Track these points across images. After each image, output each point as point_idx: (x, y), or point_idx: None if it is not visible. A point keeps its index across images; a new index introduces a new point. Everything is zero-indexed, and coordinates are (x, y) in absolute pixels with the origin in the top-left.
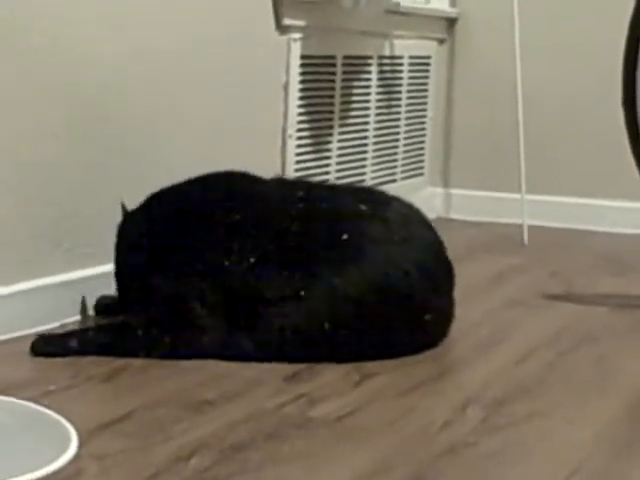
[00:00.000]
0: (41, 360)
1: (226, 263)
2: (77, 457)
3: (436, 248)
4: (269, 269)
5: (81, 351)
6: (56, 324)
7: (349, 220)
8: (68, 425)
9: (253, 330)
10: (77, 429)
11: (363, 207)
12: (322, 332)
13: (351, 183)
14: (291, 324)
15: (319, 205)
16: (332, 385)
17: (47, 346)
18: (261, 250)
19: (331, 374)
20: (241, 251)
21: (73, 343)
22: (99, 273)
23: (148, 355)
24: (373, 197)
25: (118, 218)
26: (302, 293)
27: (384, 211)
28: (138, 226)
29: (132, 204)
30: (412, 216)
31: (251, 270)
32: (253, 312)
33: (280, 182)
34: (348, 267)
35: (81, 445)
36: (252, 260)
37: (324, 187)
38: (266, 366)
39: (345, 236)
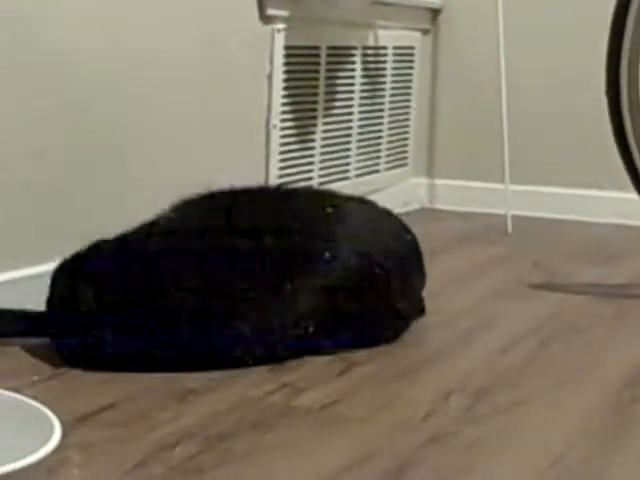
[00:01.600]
0: (24, 351)
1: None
2: (61, 447)
3: (401, 236)
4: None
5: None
6: None
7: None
8: (51, 415)
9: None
10: (60, 419)
11: (328, 210)
12: (300, 333)
13: (302, 187)
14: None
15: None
16: (316, 374)
17: None
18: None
19: (315, 363)
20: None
21: None
22: None
23: None
24: (332, 197)
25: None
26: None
27: (345, 210)
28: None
29: (117, 195)
30: (371, 209)
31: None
32: None
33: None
34: (314, 273)
35: (65, 435)
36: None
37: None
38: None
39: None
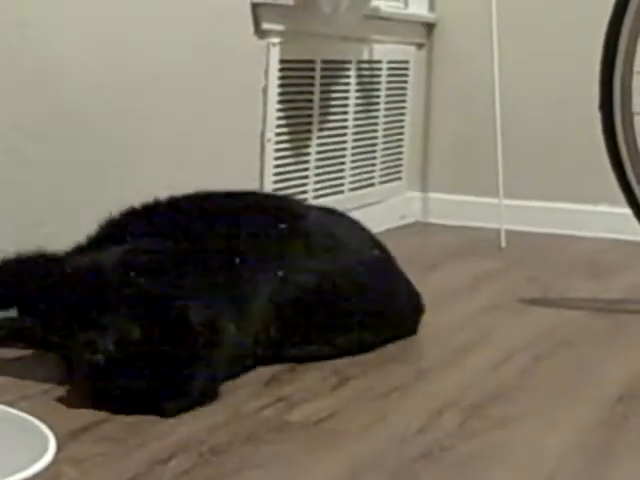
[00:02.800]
0: (18, 364)
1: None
2: (55, 461)
3: (367, 245)
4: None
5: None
6: None
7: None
8: (45, 429)
9: None
10: (55, 433)
11: (281, 226)
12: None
13: (264, 194)
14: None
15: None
16: (311, 388)
17: None
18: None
19: (310, 377)
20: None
21: None
22: None
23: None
24: (289, 210)
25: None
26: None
27: (303, 225)
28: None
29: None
30: (333, 221)
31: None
32: None
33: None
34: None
35: (59, 449)
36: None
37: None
38: (246, 369)
39: (280, 273)
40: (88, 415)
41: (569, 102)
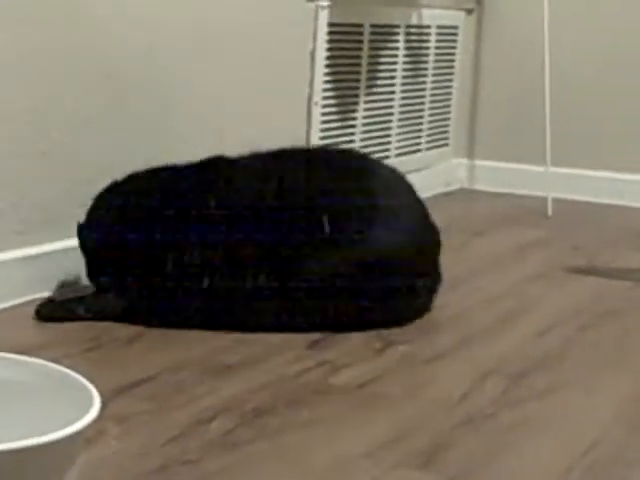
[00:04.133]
0: (62, 323)
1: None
2: (99, 419)
3: (422, 214)
4: (244, 266)
5: (88, 317)
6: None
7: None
8: (90, 386)
9: None
10: (99, 391)
11: (345, 182)
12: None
13: (336, 148)
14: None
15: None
16: (354, 353)
17: (53, 311)
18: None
19: (353, 342)
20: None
21: (80, 309)
22: None
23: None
24: (356, 166)
25: None
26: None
27: (368, 181)
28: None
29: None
30: (397, 183)
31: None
32: None
33: (255, 164)
34: (331, 251)
35: (103, 407)
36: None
37: (301, 170)
38: (289, 333)
39: (327, 228)
40: (132, 374)
41: (621, 70)
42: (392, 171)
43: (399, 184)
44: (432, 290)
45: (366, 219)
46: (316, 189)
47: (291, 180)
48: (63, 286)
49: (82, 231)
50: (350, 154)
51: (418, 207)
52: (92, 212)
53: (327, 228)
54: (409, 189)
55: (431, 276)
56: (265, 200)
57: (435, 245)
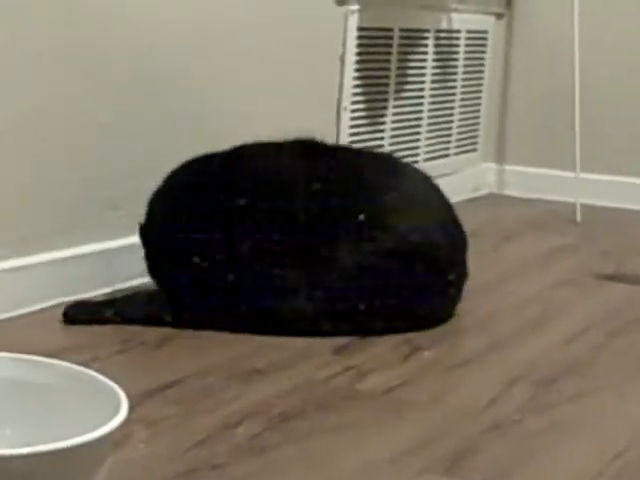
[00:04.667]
0: (92, 325)
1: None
2: (127, 422)
3: (450, 211)
4: (279, 255)
5: (116, 320)
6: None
7: (367, 192)
8: (118, 389)
9: None
10: (127, 394)
11: (381, 178)
12: (350, 310)
13: (369, 150)
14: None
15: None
16: (381, 358)
17: (81, 314)
18: (270, 234)
19: (381, 347)
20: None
21: (109, 312)
22: None
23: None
24: (389, 165)
25: None
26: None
27: (401, 180)
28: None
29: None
30: (425, 182)
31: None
32: None
33: (294, 157)
34: (366, 242)
35: (131, 410)
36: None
37: (341, 163)
38: (316, 338)
39: (362, 216)
40: (160, 378)
41: None
42: (418, 171)
43: (427, 184)
44: (461, 284)
45: (400, 213)
46: (348, 185)
47: (323, 176)
48: None
49: (141, 230)
50: (379, 153)
51: (447, 206)
52: (150, 210)
53: (362, 218)
54: (436, 189)
55: (461, 271)
56: (297, 198)
57: (464, 242)
